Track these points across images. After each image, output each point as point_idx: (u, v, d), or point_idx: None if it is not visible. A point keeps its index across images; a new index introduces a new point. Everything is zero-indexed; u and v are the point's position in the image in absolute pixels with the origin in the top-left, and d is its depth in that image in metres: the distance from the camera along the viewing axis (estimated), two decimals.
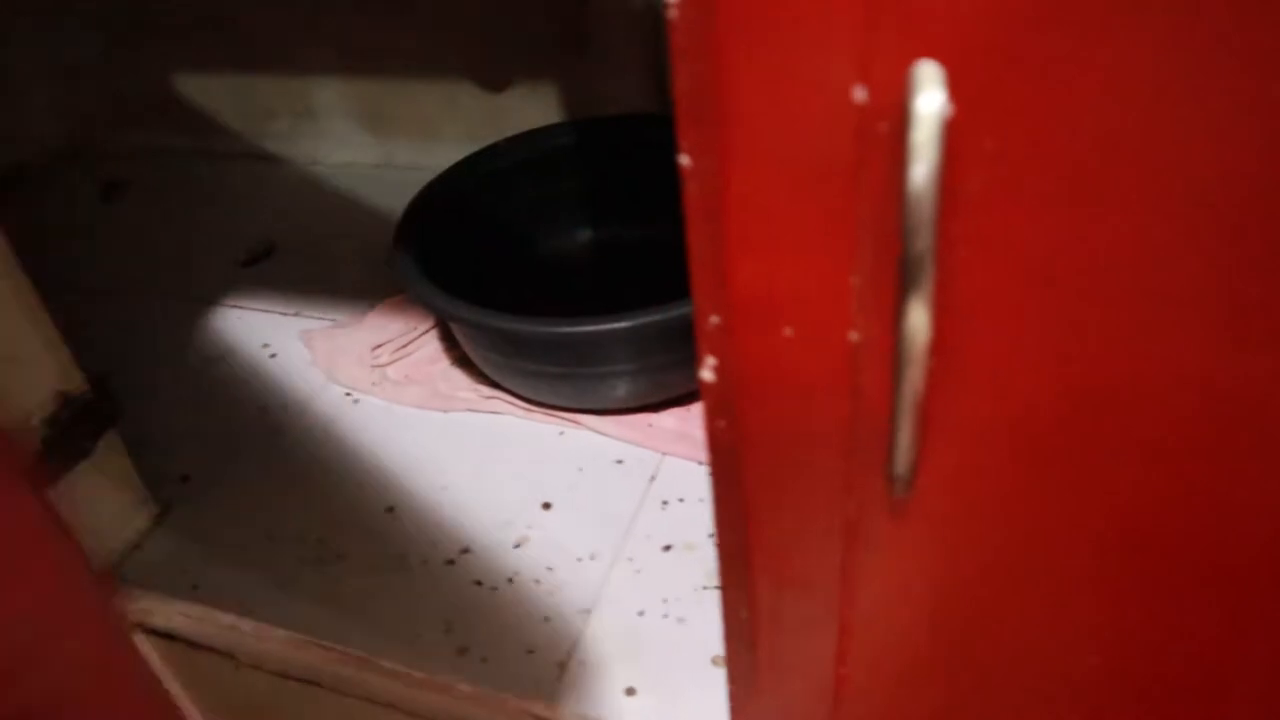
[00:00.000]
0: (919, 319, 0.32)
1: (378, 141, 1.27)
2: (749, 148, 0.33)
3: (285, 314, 1.03)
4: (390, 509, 0.80)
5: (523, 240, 0.98)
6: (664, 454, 0.81)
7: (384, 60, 1.20)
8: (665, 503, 0.77)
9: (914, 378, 0.34)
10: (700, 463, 0.80)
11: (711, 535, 0.74)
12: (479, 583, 0.73)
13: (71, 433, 0.72)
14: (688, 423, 0.82)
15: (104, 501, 0.77)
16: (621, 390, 0.81)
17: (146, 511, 0.82)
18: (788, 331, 0.36)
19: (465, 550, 0.76)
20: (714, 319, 0.39)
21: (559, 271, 0.98)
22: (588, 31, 1.08)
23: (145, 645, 0.79)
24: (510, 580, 0.73)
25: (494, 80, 1.16)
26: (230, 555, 0.79)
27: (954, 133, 0.29)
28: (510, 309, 0.76)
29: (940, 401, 0.35)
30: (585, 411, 0.84)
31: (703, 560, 0.72)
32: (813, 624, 0.48)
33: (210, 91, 1.34)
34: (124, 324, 1.04)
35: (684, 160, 0.35)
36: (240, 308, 1.06)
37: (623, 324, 0.74)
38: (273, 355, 0.98)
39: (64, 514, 0.73)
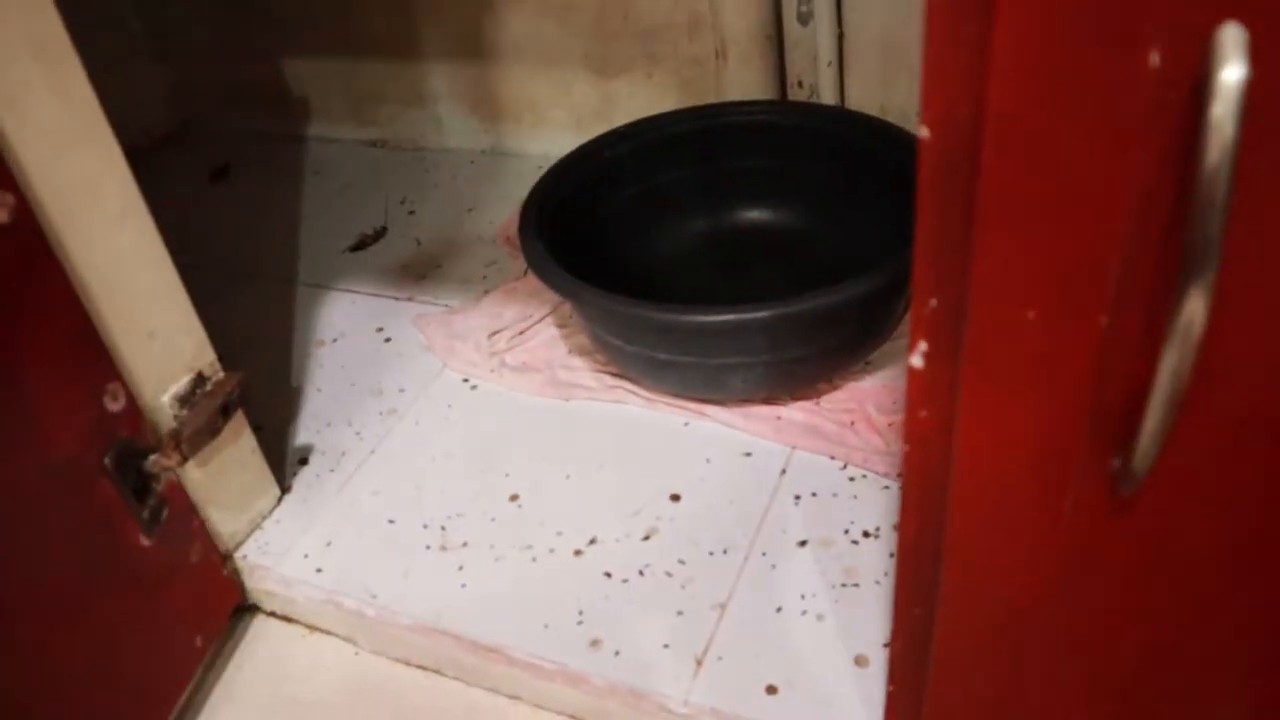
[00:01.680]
0: (1197, 307, 0.30)
1: (487, 128, 1.26)
2: (1012, 112, 0.30)
3: (398, 299, 1.03)
4: (514, 497, 0.79)
5: (645, 226, 0.96)
6: (794, 447, 0.79)
7: (496, 47, 1.19)
8: (798, 497, 0.75)
9: (1179, 368, 0.31)
10: (832, 457, 0.77)
11: (847, 531, 0.72)
12: (609, 574, 0.72)
13: (203, 411, 0.72)
14: (818, 416, 0.80)
15: (230, 481, 0.77)
16: (751, 381, 0.79)
17: (270, 493, 0.81)
18: (1030, 314, 0.34)
19: (593, 541, 0.74)
20: (933, 302, 0.37)
21: (683, 257, 0.96)
22: (705, 19, 1.06)
23: (267, 627, 0.79)
24: (641, 572, 0.71)
25: (607, 67, 1.15)
26: (352, 540, 0.78)
27: (1255, 106, 0.27)
28: (633, 296, 0.75)
29: (1197, 394, 0.33)
30: (711, 402, 0.82)
31: (840, 557, 0.70)
32: (999, 629, 0.45)
33: (320, 77, 1.34)
34: (234, 307, 1.04)
35: (923, 132, 0.33)
36: (352, 291, 1.05)
37: (761, 313, 0.72)
38: (387, 340, 0.97)
39: (191, 494, 0.73)
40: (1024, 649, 0.46)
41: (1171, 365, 0.32)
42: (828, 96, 1.04)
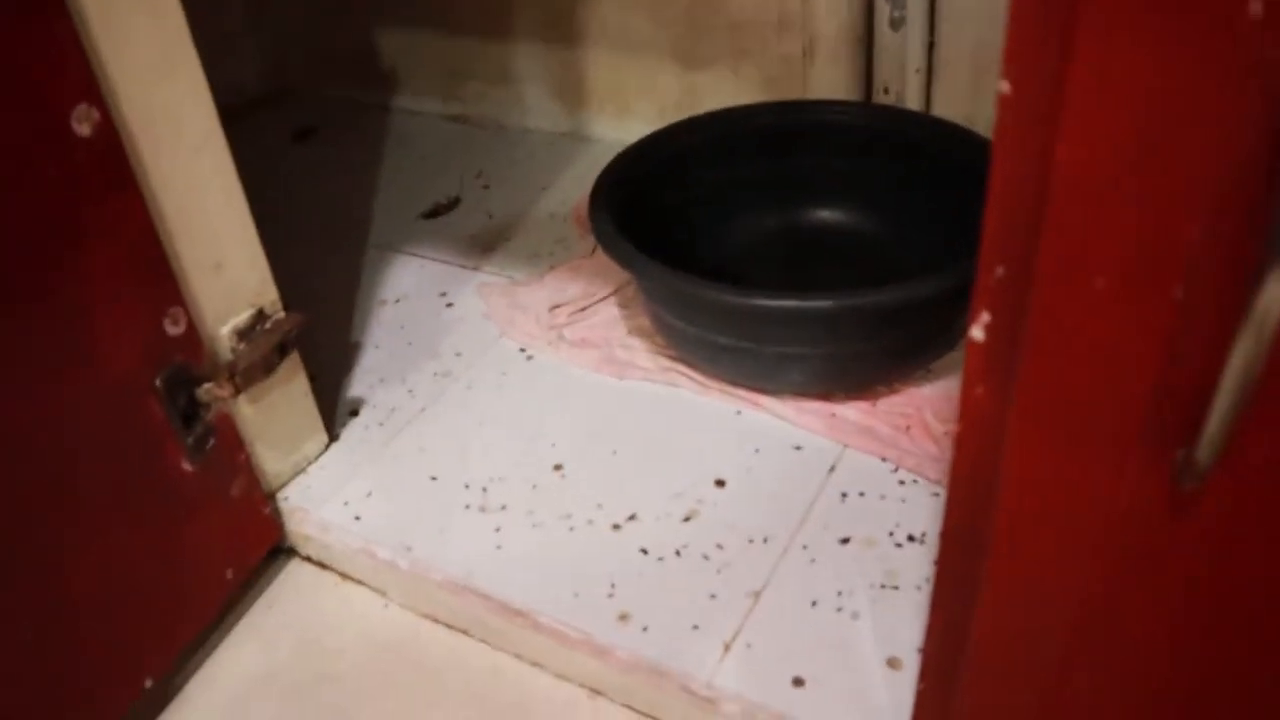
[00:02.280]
0: (1276, 293, 0.28)
1: (569, 111, 1.26)
2: (1097, 61, 0.29)
3: (464, 267, 1.03)
4: (558, 467, 0.78)
5: (714, 217, 0.95)
6: (845, 445, 0.77)
7: (585, 32, 1.19)
8: (845, 495, 0.73)
9: (1254, 352, 0.30)
10: (884, 459, 0.76)
11: (892, 534, 0.70)
12: (645, 551, 0.71)
13: (260, 348, 0.72)
14: (873, 417, 0.79)
15: (280, 421, 0.77)
16: (808, 374, 0.78)
17: (317, 439, 0.82)
18: (1099, 283, 0.33)
19: (633, 517, 0.73)
20: (999, 270, 0.36)
21: (750, 251, 0.95)
22: (796, 17, 1.05)
23: (301, 571, 0.79)
24: (678, 553, 0.70)
25: (693, 59, 1.14)
26: (393, 492, 0.78)
27: None
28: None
29: (1271, 386, 0.31)
30: (765, 393, 0.81)
31: (882, 558, 0.69)
32: (1044, 632, 0.44)
33: (410, 49, 1.35)
34: (303, 260, 1.05)
35: (1004, 87, 0.32)
36: (420, 256, 1.06)
37: (825, 303, 0.71)
38: (449, 305, 0.98)
39: (240, 428, 0.73)
40: (1071, 656, 0.44)
41: (1245, 351, 0.30)
42: (913, 104, 1.03)
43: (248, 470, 0.75)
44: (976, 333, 0.38)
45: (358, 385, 0.89)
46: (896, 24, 1.01)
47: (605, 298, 0.94)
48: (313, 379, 0.80)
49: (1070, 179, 0.32)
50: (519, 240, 1.06)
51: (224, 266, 0.70)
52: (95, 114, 0.59)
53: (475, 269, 1.03)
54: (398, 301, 0.99)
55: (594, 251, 1.00)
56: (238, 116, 1.41)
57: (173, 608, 0.70)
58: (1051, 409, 0.37)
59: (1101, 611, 0.41)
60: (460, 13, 1.27)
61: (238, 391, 0.71)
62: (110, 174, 0.61)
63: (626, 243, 0.78)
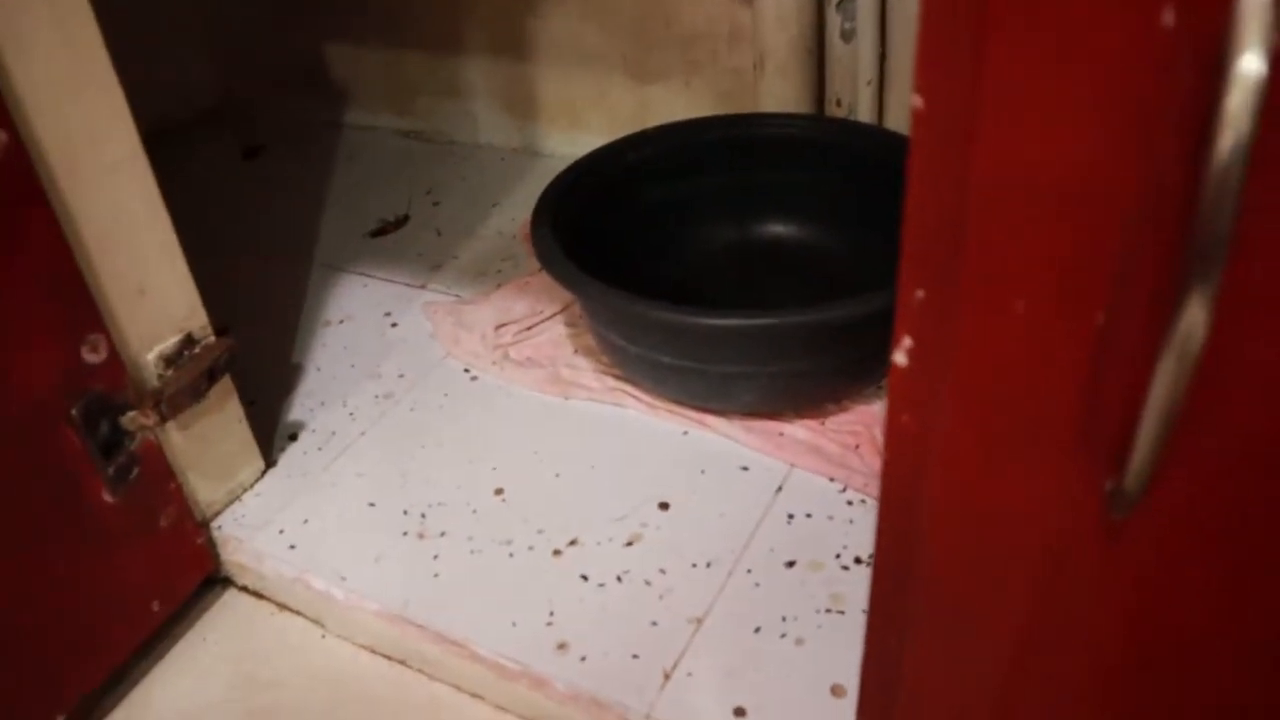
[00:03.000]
0: (1198, 315, 0.27)
1: (520, 126, 1.24)
2: (1014, 74, 0.28)
3: (410, 285, 1.01)
4: (499, 491, 0.76)
5: (665, 232, 0.94)
6: (793, 465, 0.76)
7: (535, 45, 1.18)
8: (791, 516, 0.72)
9: (1176, 379, 0.28)
10: (832, 479, 0.74)
11: (839, 556, 0.69)
12: (585, 577, 0.69)
13: (189, 374, 0.70)
14: (822, 436, 0.77)
15: (212, 449, 0.75)
16: (755, 393, 0.76)
17: (253, 465, 0.80)
18: (1019, 306, 0.31)
19: (574, 542, 0.71)
20: (919, 293, 0.35)
21: (700, 268, 0.93)
22: (746, 30, 1.04)
23: (236, 601, 0.77)
24: (619, 578, 0.69)
25: (645, 73, 1.13)
26: (329, 520, 0.76)
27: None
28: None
29: (1197, 408, 0.30)
30: (712, 412, 0.80)
31: (828, 582, 0.67)
32: (975, 660, 0.42)
33: (361, 64, 1.33)
34: (249, 282, 1.03)
35: (916, 102, 0.31)
36: (366, 275, 1.04)
37: (768, 320, 0.69)
38: (394, 325, 0.96)
39: (170, 457, 0.71)
40: (1007, 686, 0.42)
41: (1169, 375, 0.29)
42: (865, 116, 1.02)
43: (178, 499, 0.72)
44: (899, 358, 0.37)
45: (297, 409, 0.87)
46: (847, 35, 1.00)
47: (552, 316, 0.92)
48: (250, 403, 0.78)
49: (988, 199, 0.30)
50: (467, 258, 1.04)
51: (148, 291, 0.67)
52: (3, 136, 0.57)
53: (422, 288, 1.01)
54: (342, 322, 0.97)
55: (541, 270, 0.98)
56: (186, 131, 1.39)
57: (90, 641, 0.67)
58: (978, 436, 0.35)
59: (1036, 642, 0.40)
60: (410, 28, 1.25)
61: (164, 420, 0.69)
62: (20, 192, 0.59)
63: (567, 261, 0.76)
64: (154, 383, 0.69)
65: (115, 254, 0.65)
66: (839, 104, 1.04)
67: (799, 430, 0.78)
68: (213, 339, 0.72)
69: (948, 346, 0.34)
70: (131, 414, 0.66)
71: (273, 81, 1.42)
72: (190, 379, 0.70)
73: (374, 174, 1.24)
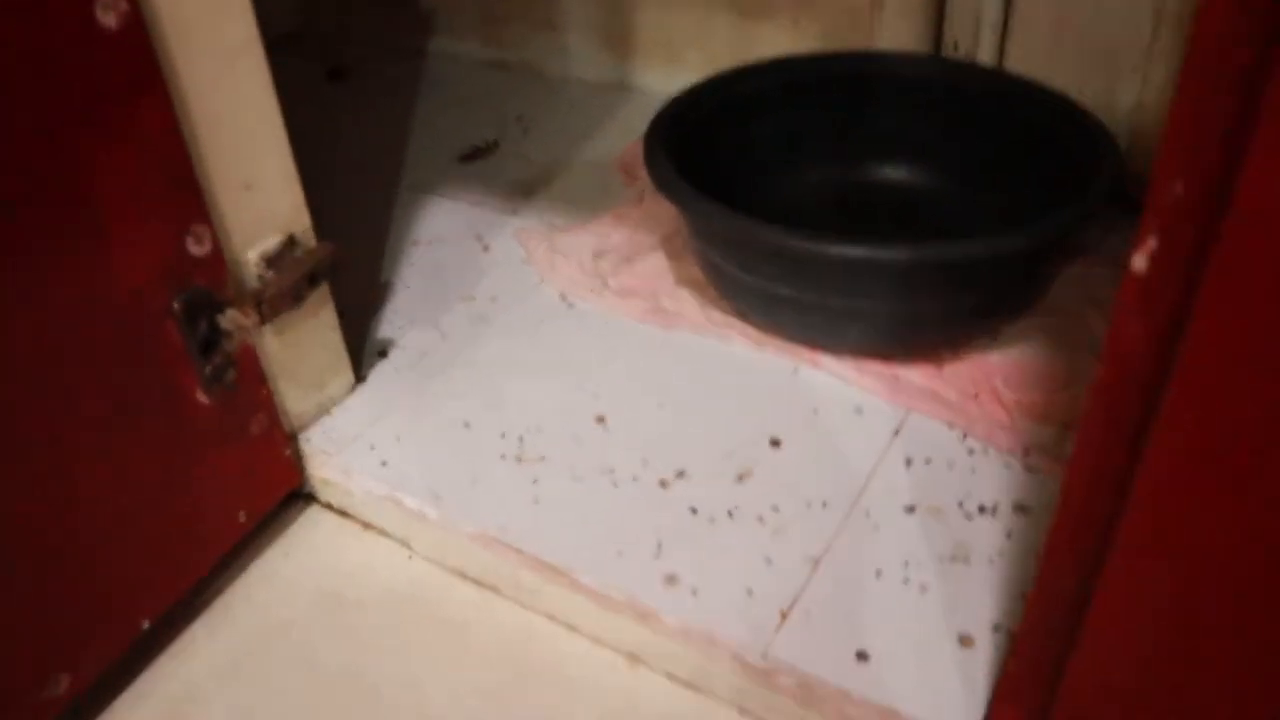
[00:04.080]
0: None
1: (613, 61, 1.20)
2: None
3: (502, 211, 0.98)
4: (601, 419, 0.73)
5: (769, 170, 0.90)
6: (910, 409, 0.72)
7: None
8: (910, 461, 0.68)
9: None
10: (952, 425, 0.70)
11: (961, 504, 0.65)
12: (695, 510, 0.66)
13: (290, 276, 0.67)
14: (938, 381, 0.73)
15: (306, 357, 0.72)
16: (871, 333, 0.72)
17: (343, 379, 0.77)
18: None
19: (681, 474, 0.68)
20: (1179, 187, 0.31)
21: (803, 208, 0.89)
22: None
23: (321, 519, 0.74)
24: (730, 514, 0.65)
25: (750, 8, 1.08)
26: (422, 439, 0.73)
27: None
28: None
29: None
30: (824, 351, 0.76)
31: (951, 530, 0.63)
32: (1183, 599, 0.38)
33: None
34: (335, 201, 1.00)
35: None
36: (455, 199, 1.01)
37: (897, 253, 0.65)
38: (485, 249, 0.93)
39: (264, 362, 0.68)
40: (1218, 624, 0.38)
41: None
42: (985, 61, 0.97)
43: (269, 407, 0.70)
44: (1139, 262, 0.33)
45: (387, 326, 0.84)
46: None
47: (652, 247, 0.88)
48: (340, 316, 0.75)
49: None
50: (559, 187, 1.01)
51: (255, 187, 0.65)
52: (123, 3, 0.54)
53: (513, 214, 0.97)
54: (431, 243, 0.94)
55: (641, 201, 0.95)
56: (268, 53, 1.36)
57: (177, 548, 0.65)
58: (1237, 353, 0.31)
59: (1261, 577, 0.36)
60: None
61: (263, 321, 0.66)
62: (137, 72, 0.56)
63: (684, 183, 0.72)
64: (254, 283, 0.66)
65: (225, 143, 0.62)
66: (956, 48, 0.99)
67: (915, 375, 0.74)
68: (314, 243, 0.70)
69: (1208, 254, 0.30)
70: (231, 312, 0.63)
71: (359, 5, 1.38)
72: (291, 282, 0.67)
73: (461, 100, 1.20)
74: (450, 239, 0.94)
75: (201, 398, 0.64)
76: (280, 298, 0.67)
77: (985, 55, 0.97)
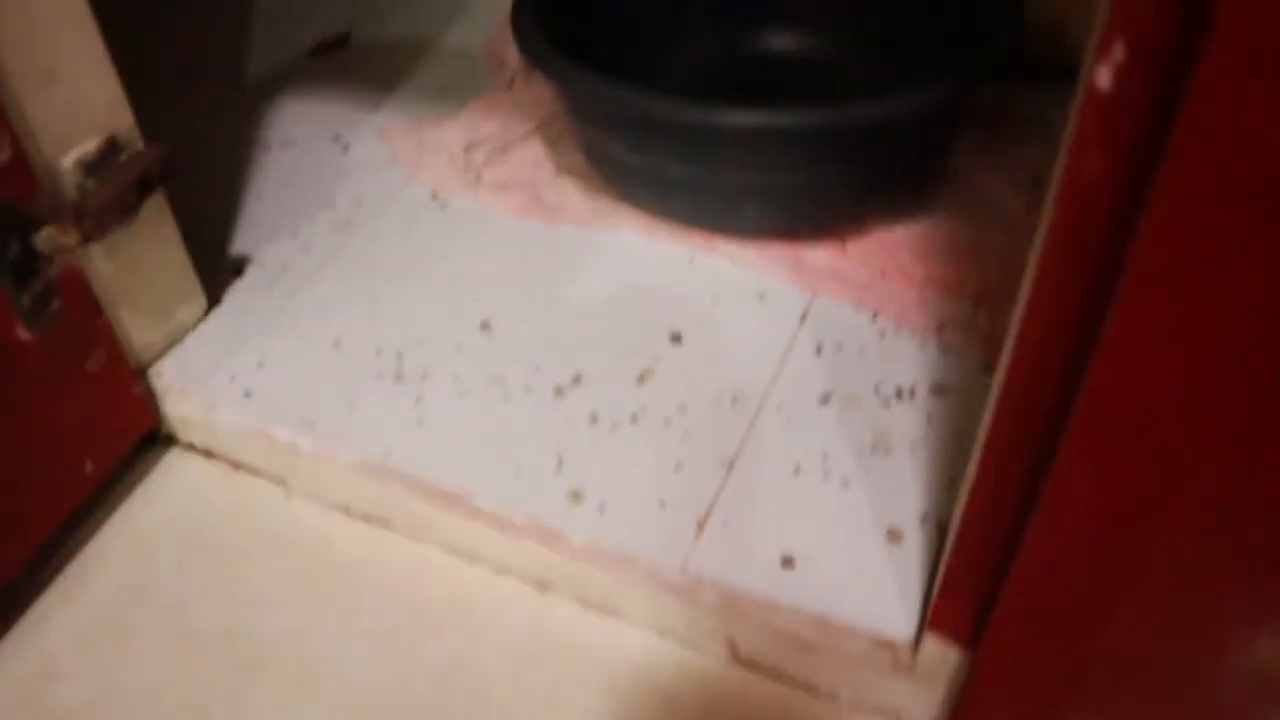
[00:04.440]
0: None
1: None
2: None
3: (360, 108, 0.89)
4: (485, 325, 0.67)
5: (647, 44, 0.83)
6: (816, 293, 0.67)
7: None
8: (820, 347, 0.64)
9: None
10: (860, 306, 0.66)
11: (877, 390, 0.61)
12: (595, 418, 0.60)
13: (114, 185, 0.58)
14: (843, 260, 0.69)
15: (147, 280, 0.64)
16: (770, 208, 0.67)
17: (195, 302, 0.69)
18: None
19: (577, 380, 0.63)
20: None
21: (689, 85, 0.83)
22: None
23: (182, 462, 0.67)
24: (634, 418, 0.60)
25: None
26: (289, 363, 0.66)
27: None
28: None
29: None
30: (721, 235, 0.70)
31: (869, 419, 0.59)
32: (1148, 471, 0.34)
33: None
34: (168, 102, 0.90)
35: None
36: (307, 97, 0.91)
37: (794, 118, 0.60)
38: (345, 149, 0.84)
39: (97, 288, 0.60)
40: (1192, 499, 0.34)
41: None
42: None
43: (109, 341, 0.62)
44: (1102, 78, 0.28)
45: (241, 240, 0.75)
46: None
47: (527, 135, 0.81)
48: (189, 235, 0.67)
49: None
50: (422, 77, 0.92)
51: (61, 78, 0.55)
52: None
53: (374, 110, 0.89)
54: (284, 147, 0.85)
55: (511, 86, 0.87)
56: None
57: (15, 508, 0.57)
58: (1217, 197, 0.26)
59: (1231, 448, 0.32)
60: None
61: (88, 239, 0.58)
62: None
63: (561, 56, 0.65)
64: (73, 194, 0.57)
65: (16, 21, 0.53)
66: None
67: (819, 255, 0.69)
68: (141, 145, 0.61)
69: (1189, 72, 0.25)
70: (48, 230, 0.55)
71: None
72: (117, 191, 0.59)
73: None
74: (304, 142, 0.85)
75: (22, 334, 0.55)
76: (106, 210, 0.58)
77: None
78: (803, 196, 0.66)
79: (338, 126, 0.87)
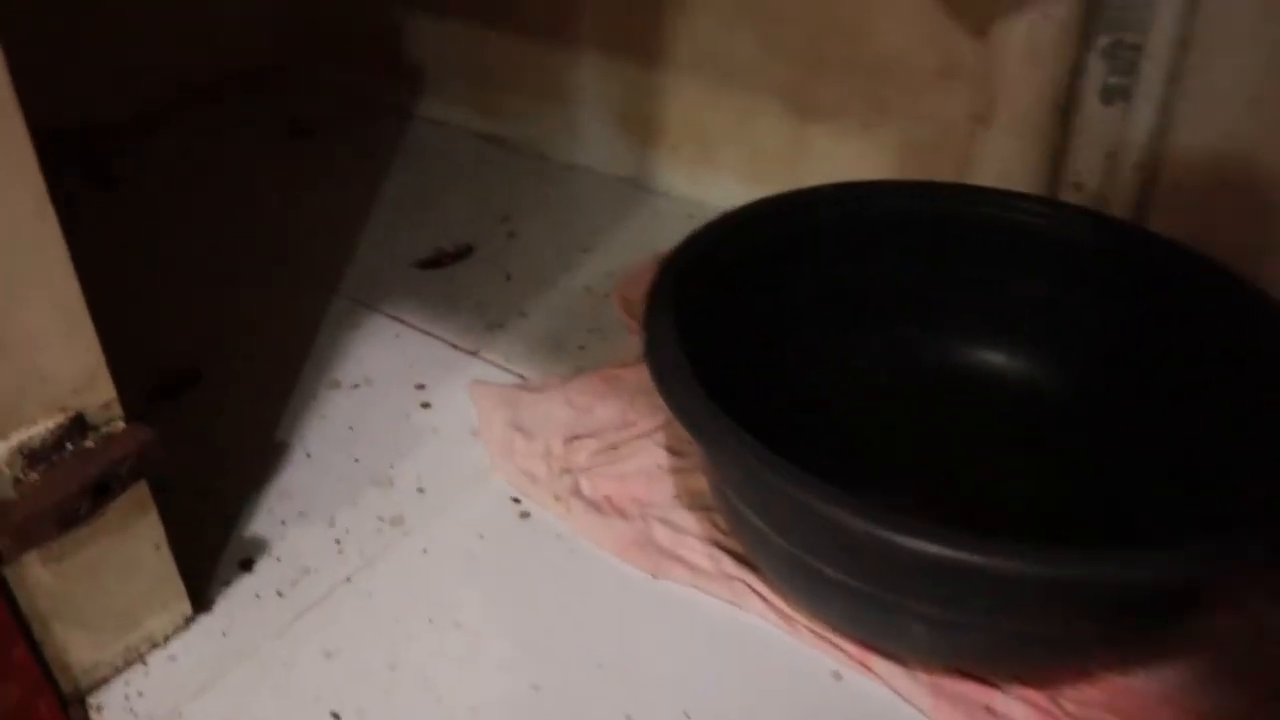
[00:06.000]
0: None
1: (633, 150, 0.97)
2: None
3: (458, 348, 0.73)
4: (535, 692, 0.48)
5: (825, 335, 0.65)
6: None
7: (669, 49, 0.90)
8: None
9: None
10: None
11: None
12: None
13: (65, 480, 0.43)
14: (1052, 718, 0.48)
15: (99, 591, 0.48)
16: (954, 643, 0.47)
17: (173, 609, 0.52)
18: None
19: None
20: None
21: (861, 391, 0.65)
22: (966, 63, 0.76)
23: None
24: None
25: (809, 105, 0.85)
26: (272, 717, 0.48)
27: None
28: (772, 442, 0.44)
29: None
30: (881, 653, 0.51)
31: None
32: None
33: (443, 43, 1.07)
34: (241, 308, 0.76)
35: None
36: (401, 321, 0.76)
37: (1010, 561, 0.40)
38: (425, 404, 0.68)
39: (24, 602, 0.44)
40: None
41: None
42: (1119, 210, 0.72)
43: (30, 671, 0.45)
44: None
45: (264, 517, 0.59)
46: (1110, 94, 0.71)
47: (650, 432, 0.63)
48: (203, 495, 0.51)
49: None
50: (540, 318, 0.77)
51: (6, 342, 0.40)
52: None
53: (473, 354, 0.73)
54: (356, 386, 0.70)
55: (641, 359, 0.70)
56: (228, 96, 1.13)
57: None
58: None
59: None
60: (508, 4, 0.98)
61: (20, 549, 0.42)
62: None
63: (692, 379, 0.48)
64: (7, 491, 0.42)
65: None
66: (1078, 187, 0.75)
67: (1016, 706, 0.49)
68: (119, 426, 0.45)
69: None
70: None
71: (335, 50, 1.16)
72: (65, 492, 0.43)
73: (438, 182, 0.97)
74: (381, 382, 0.70)
75: None
76: (41, 518, 0.42)
77: (1120, 202, 0.73)
78: (1001, 640, 0.46)
79: (424, 368, 0.71)
